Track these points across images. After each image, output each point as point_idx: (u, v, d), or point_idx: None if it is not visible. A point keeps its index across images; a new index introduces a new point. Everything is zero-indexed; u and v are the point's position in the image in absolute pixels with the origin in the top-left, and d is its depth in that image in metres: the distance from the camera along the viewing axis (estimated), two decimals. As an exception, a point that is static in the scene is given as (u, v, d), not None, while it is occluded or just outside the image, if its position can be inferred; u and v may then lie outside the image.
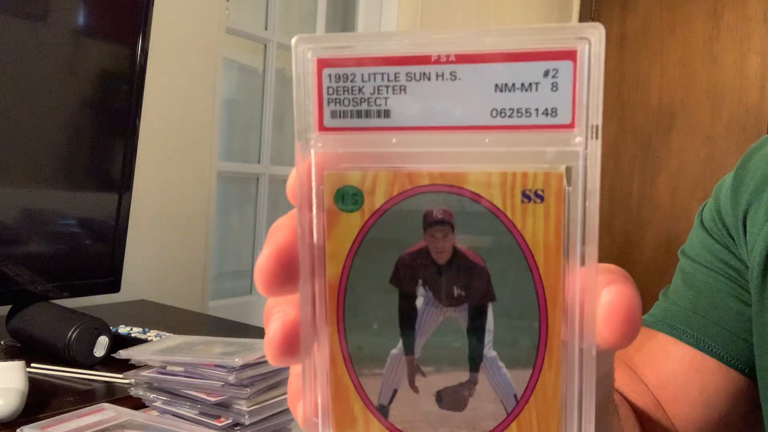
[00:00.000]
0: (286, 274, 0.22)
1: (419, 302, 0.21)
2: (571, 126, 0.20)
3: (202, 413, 0.68)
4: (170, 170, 1.45)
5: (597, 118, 0.19)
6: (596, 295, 0.20)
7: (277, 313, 0.22)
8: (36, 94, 0.93)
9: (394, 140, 0.21)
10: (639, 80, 2.92)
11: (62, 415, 0.64)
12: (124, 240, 1.05)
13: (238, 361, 0.67)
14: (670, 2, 2.85)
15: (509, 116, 0.20)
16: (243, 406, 0.67)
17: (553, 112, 0.20)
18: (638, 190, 2.94)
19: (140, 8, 1.04)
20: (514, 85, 0.20)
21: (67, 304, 0.93)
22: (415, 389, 0.22)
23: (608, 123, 2.99)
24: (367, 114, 0.21)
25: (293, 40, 0.21)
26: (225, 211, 1.85)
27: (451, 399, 0.22)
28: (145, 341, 0.90)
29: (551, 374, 0.21)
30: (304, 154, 0.21)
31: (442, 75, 0.20)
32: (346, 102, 0.21)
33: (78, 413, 0.65)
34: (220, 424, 0.67)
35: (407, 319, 0.21)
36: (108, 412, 0.66)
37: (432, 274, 0.21)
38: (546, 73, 0.20)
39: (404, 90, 0.20)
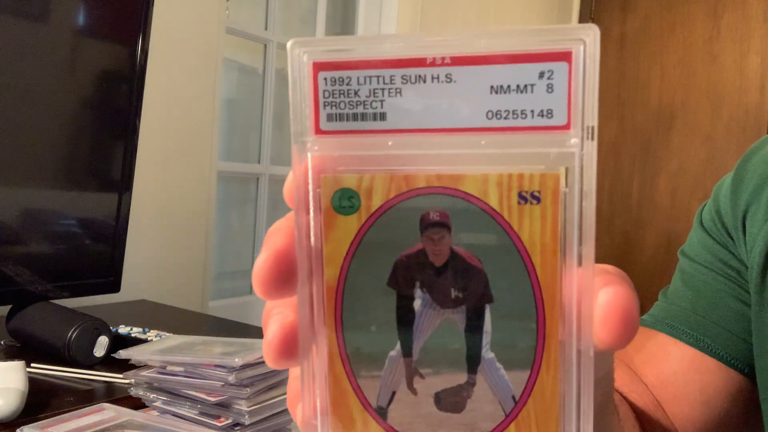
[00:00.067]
0: (283, 277, 0.22)
1: (417, 304, 0.21)
2: (566, 127, 0.20)
3: (202, 413, 0.68)
4: (170, 170, 1.45)
5: (593, 119, 0.19)
6: (593, 296, 0.20)
7: (276, 316, 0.22)
8: (36, 94, 0.93)
9: (390, 143, 0.21)
10: (639, 80, 2.92)
11: (62, 415, 0.64)
12: (124, 240, 1.05)
13: (238, 361, 0.67)
14: (670, 2, 2.85)
15: (505, 118, 0.20)
16: (243, 406, 0.67)
17: (549, 113, 0.20)
18: (638, 190, 2.94)
19: (140, 8, 1.04)
20: (509, 86, 0.20)
21: (67, 304, 0.93)
22: (413, 391, 0.22)
23: (608, 123, 2.99)
24: (363, 117, 0.21)
25: (288, 44, 0.21)
26: (225, 211, 1.85)
27: (450, 401, 0.22)
28: (145, 341, 0.90)
29: (549, 375, 0.21)
30: (301, 157, 0.21)
31: (438, 77, 0.20)
32: (342, 105, 0.21)
33: (78, 413, 0.65)
34: (220, 424, 0.67)
35: (405, 321, 0.21)
36: (108, 412, 0.66)
37: (429, 276, 0.21)
38: (541, 75, 0.20)
39: (400, 93, 0.21)
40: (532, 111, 0.20)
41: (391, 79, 0.20)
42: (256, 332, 1.09)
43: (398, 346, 0.22)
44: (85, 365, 0.84)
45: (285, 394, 0.67)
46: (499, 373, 0.21)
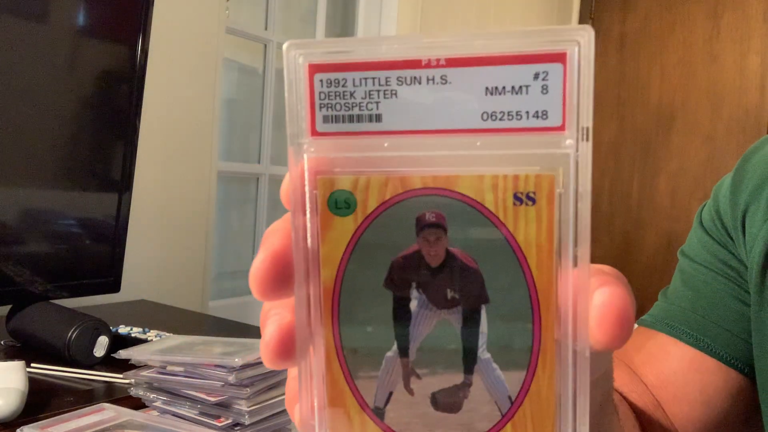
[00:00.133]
0: (280, 278, 0.22)
1: (413, 305, 0.21)
2: (561, 128, 0.20)
3: (202, 413, 0.68)
4: (170, 170, 1.45)
5: (587, 121, 0.19)
6: (589, 296, 0.20)
7: (273, 317, 0.22)
8: (36, 94, 0.93)
9: (386, 144, 0.21)
10: (639, 80, 2.92)
11: (62, 415, 0.64)
12: (124, 240, 1.05)
13: (238, 361, 0.67)
14: (670, 2, 2.85)
15: (500, 119, 0.20)
16: (243, 406, 0.67)
17: (544, 114, 0.20)
18: (638, 190, 2.94)
19: (140, 8, 1.04)
20: (504, 88, 0.20)
21: (67, 304, 0.93)
22: (410, 391, 0.22)
23: (608, 123, 2.99)
24: (359, 118, 0.21)
25: (284, 46, 0.21)
26: (225, 211, 1.85)
27: (446, 401, 0.22)
28: (145, 341, 0.90)
29: (545, 376, 0.21)
30: (297, 159, 0.21)
31: (433, 79, 0.20)
32: (338, 107, 0.21)
33: (78, 413, 0.65)
34: (220, 424, 0.67)
35: (401, 322, 0.21)
36: (108, 412, 0.66)
37: (425, 277, 0.21)
38: (536, 76, 0.20)
39: (395, 94, 0.21)
40: (527, 112, 0.20)
41: (386, 81, 0.21)
42: (256, 332, 1.09)
43: (395, 346, 0.22)
44: (85, 365, 0.84)
45: (284, 394, 0.67)
46: (495, 373, 0.21)
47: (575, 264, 0.20)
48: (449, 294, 0.21)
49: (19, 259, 0.93)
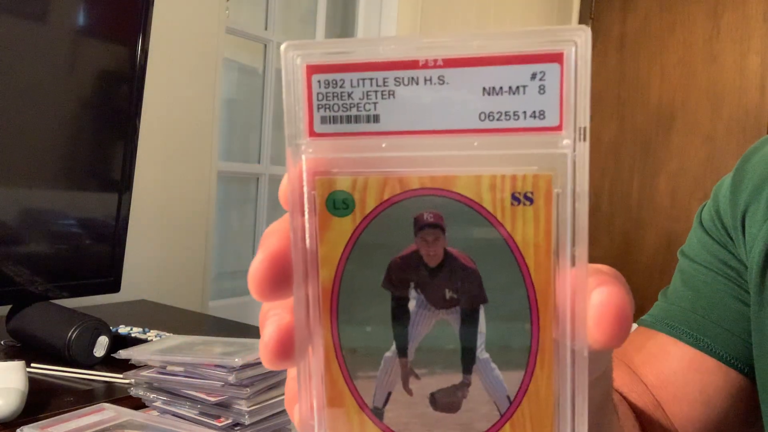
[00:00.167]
0: (279, 279, 0.22)
1: (412, 305, 0.21)
2: (558, 128, 0.20)
3: (202, 413, 0.68)
4: (170, 170, 1.45)
5: (585, 121, 0.19)
6: (587, 296, 0.20)
7: (272, 317, 0.22)
8: (36, 94, 0.93)
9: (383, 145, 0.21)
10: (639, 80, 2.92)
11: (62, 415, 0.64)
12: (124, 240, 1.05)
13: (238, 361, 0.67)
14: (670, 2, 2.85)
15: (497, 119, 0.20)
16: (243, 406, 0.67)
17: (541, 114, 0.20)
18: (638, 190, 2.94)
19: (140, 8, 1.04)
20: (501, 88, 0.20)
21: (67, 304, 0.93)
22: (409, 391, 0.22)
23: (608, 123, 2.99)
24: (357, 119, 0.21)
25: (282, 47, 0.21)
26: (225, 211, 1.85)
27: (445, 401, 0.22)
28: (145, 341, 0.90)
29: (543, 375, 0.21)
30: (295, 160, 0.21)
31: (430, 79, 0.20)
32: (336, 107, 0.21)
33: (78, 413, 0.65)
34: (220, 424, 0.67)
35: (400, 322, 0.22)
36: (108, 412, 0.66)
37: (424, 277, 0.21)
38: (533, 76, 0.20)
39: (393, 95, 0.21)
40: (525, 112, 0.20)
41: (384, 82, 0.21)
42: (256, 332, 1.09)
43: (393, 346, 0.22)
44: (85, 365, 0.84)
45: (284, 395, 0.67)
46: (494, 373, 0.21)
47: (573, 264, 0.20)
48: (448, 294, 0.21)
49: (19, 259, 0.93)
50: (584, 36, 0.19)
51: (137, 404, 0.71)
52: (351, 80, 0.21)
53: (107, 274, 1.04)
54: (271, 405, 0.69)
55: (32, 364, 0.82)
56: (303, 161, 0.21)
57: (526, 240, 0.20)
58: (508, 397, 0.21)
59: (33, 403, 0.70)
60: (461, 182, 0.20)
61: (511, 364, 0.21)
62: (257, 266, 0.22)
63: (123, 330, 0.96)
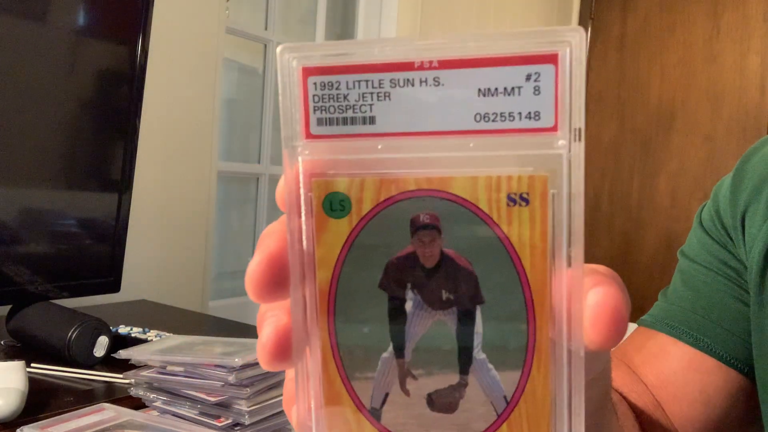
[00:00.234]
0: (276, 280, 0.22)
1: (408, 306, 0.21)
2: (554, 129, 0.20)
3: (202, 413, 0.68)
4: (170, 170, 1.45)
5: (580, 121, 0.20)
6: (583, 296, 0.20)
7: (270, 318, 0.22)
8: (36, 94, 0.93)
9: (379, 146, 0.21)
10: (639, 80, 2.92)
11: (62, 415, 0.64)
12: (124, 240, 1.06)
13: (238, 361, 0.67)
14: (670, 2, 2.85)
15: (493, 120, 0.20)
16: (243, 406, 0.67)
17: (536, 115, 0.20)
18: (638, 190, 2.94)
19: (140, 8, 1.04)
20: (496, 89, 0.20)
21: (67, 304, 0.94)
22: (406, 392, 0.22)
23: (608, 123, 2.99)
24: (353, 121, 0.21)
25: (278, 50, 0.21)
26: (225, 211, 1.85)
27: (442, 401, 0.22)
28: (145, 341, 0.90)
29: (540, 376, 0.21)
30: (292, 162, 0.22)
31: (426, 81, 0.20)
32: (332, 109, 0.21)
33: (78, 413, 0.65)
34: (220, 424, 0.67)
35: (397, 323, 0.22)
36: (108, 412, 0.66)
37: (420, 278, 0.21)
38: (528, 77, 0.20)
39: (388, 96, 0.21)
40: (520, 113, 0.20)
41: (379, 83, 0.21)
42: (256, 332, 1.09)
43: (391, 347, 0.22)
44: (85, 365, 0.84)
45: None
46: (490, 373, 0.21)
47: (569, 264, 0.20)
48: (444, 295, 0.21)
49: (19, 259, 0.93)
50: (578, 37, 0.19)
51: (137, 404, 0.71)
52: (347, 82, 0.21)
53: (107, 274, 1.04)
54: (271, 405, 0.69)
55: (32, 364, 0.82)
56: (299, 163, 0.21)
57: (522, 241, 0.20)
58: (505, 398, 0.21)
59: (33, 403, 0.70)
60: (457, 183, 0.20)
61: (508, 364, 0.21)
62: (254, 268, 0.22)
63: (123, 330, 0.96)
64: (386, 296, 0.22)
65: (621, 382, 0.58)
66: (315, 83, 0.21)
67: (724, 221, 0.58)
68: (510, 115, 0.20)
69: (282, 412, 0.71)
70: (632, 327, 0.59)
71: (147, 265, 1.39)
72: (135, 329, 0.97)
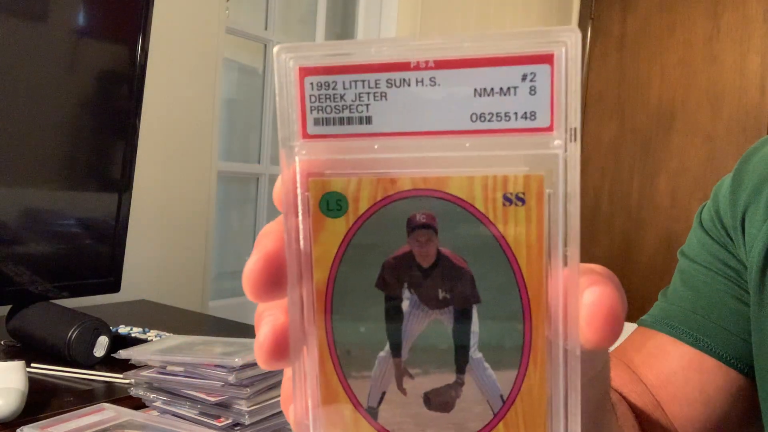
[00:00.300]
0: (273, 280, 0.22)
1: (405, 305, 0.22)
2: (549, 129, 0.20)
3: (202, 413, 0.68)
4: (170, 170, 1.45)
5: (575, 121, 0.20)
6: (579, 295, 0.20)
7: (267, 318, 0.23)
8: (36, 94, 0.93)
9: (376, 146, 0.21)
10: (639, 80, 2.92)
11: (62, 415, 0.64)
12: (124, 240, 1.06)
13: (238, 361, 0.67)
14: (670, 2, 2.85)
15: (489, 120, 0.20)
16: (243, 406, 0.67)
17: (532, 115, 0.20)
18: (638, 190, 2.94)
19: (140, 8, 1.04)
20: (492, 89, 0.20)
21: (67, 304, 0.94)
22: (403, 391, 0.22)
23: (608, 123, 2.99)
24: (350, 121, 0.21)
25: (275, 50, 0.21)
26: (225, 211, 1.85)
27: (439, 400, 0.22)
28: (145, 341, 0.90)
29: (536, 375, 0.21)
30: (289, 162, 0.22)
31: (422, 81, 0.20)
32: (329, 109, 0.21)
33: (78, 413, 0.65)
34: (220, 424, 0.67)
35: (394, 322, 0.22)
36: (108, 412, 0.66)
37: (417, 278, 0.21)
38: (524, 77, 0.20)
39: (385, 96, 0.21)
40: (516, 113, 0.20)
41: (376, 83, 0.21)
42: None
43: (387, 346, 0.22)
44: (85, 365, 0.85)
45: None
46: (487, 372, 0.21)
47: (565, 263, 0.20)
48: (441, 294, 0.21)
49: (19, 259, 0.93)
50: (574, 37, 0.19)
51: (137, 404, 0.71)
52: (343, 82, 0.21)
53: (107, 274, 1.04)
54: (270, 405, 0.69)
55: (32, 364, 0.82)
56: (296, 163, 0.22)
57: (518, 240, 0.20)
58: (502, 397, 0.21)
59: (33, 403, 0.70)
60: (453, 183, 0.21)
61: (504, 363, 0.21)
62: (252, 267, 0.22)
63: (123, 330, 0.96)
64: (383, 295, 0.22)
65: (620, 382, 0.58)
66: (312, 83, 0.21)
67: (724, 221, 0.58)
68: (506, 115, 0.20)
69: (282, 412, 0.71)
70: (631, 327, 0.59)
71: (147, 265, 1.39)
72: (135, 329, 0.97)
